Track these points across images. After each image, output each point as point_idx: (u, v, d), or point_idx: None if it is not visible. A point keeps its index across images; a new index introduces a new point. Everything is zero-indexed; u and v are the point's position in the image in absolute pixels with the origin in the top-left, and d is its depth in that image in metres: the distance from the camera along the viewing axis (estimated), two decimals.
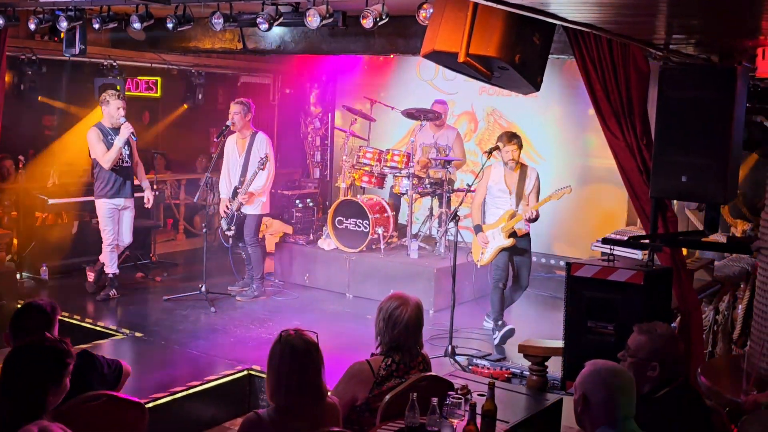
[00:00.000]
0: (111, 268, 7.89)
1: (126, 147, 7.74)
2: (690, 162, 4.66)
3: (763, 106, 6.42)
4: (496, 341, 7.00)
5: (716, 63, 5.20)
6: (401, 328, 3.89)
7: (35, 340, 3.04)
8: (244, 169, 7.94)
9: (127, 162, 7.80)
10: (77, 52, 7.44)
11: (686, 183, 4.68)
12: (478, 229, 7.23)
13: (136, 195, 8.07)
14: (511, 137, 7.08)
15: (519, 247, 7.13)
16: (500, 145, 7.07)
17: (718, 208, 5.08)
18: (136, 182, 8.13)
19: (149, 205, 8.34)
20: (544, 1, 3.82)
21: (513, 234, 7.05)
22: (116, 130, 7.66)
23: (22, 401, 2.90)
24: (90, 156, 7.79)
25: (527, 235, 7.18)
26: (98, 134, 7.63)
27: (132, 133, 7.65)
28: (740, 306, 6.98)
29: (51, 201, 8.78)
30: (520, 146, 7.12)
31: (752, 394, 4.37)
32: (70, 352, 3.06)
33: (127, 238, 8.00)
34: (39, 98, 9.50)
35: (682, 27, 4.51)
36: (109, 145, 7.61)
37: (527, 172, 7.16)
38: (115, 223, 7.80)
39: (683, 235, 5.46)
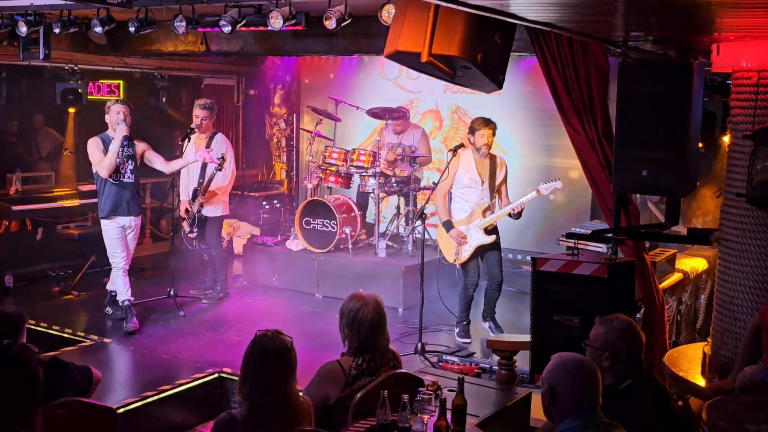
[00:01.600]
0: (125, 294, 7.23)
1: (129, 161, 7.14)
2: (650, 156, 4.76)
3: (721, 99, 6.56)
4: (465, 339, 7.08)
5: (673, 58, 5.31)
6: (366, 329, 3.94)
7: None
8: (202, 170, 7.88)
9: (129, 177, 7.17)
10: (41, 57, 7.34)
11: (647, 177, 4.79)
12: (448, 225, 6.96)
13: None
14: (488, 122, 6.85)
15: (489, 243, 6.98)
16: (475, 128, 6.85)
17: (678, 200, 5.19)
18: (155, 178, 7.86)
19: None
20: (503, 2, 3.88)
21: (493, 231, 6.91)
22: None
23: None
24: (93, 170, 7.22)
25: (495, 228, 7.00)
26: (98, 143, 7.14)
27: (125, 136, 7.08)
28: (703, 296, 7.13)
29: (15, 208, 8.67)
30: (495, 132, 6.91)
31: (714, 381, 4.49)
32: (39, 359, 3.04)
33: (126, 258, 7.33)
34: None
35: (640, 25, 4.60)
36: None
37: (497, 162, 7.00)
38: (124, 245, 7.20)
39: (645, 228, 5.56)
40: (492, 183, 6.93)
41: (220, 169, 7.54)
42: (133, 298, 7.30)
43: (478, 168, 6.92)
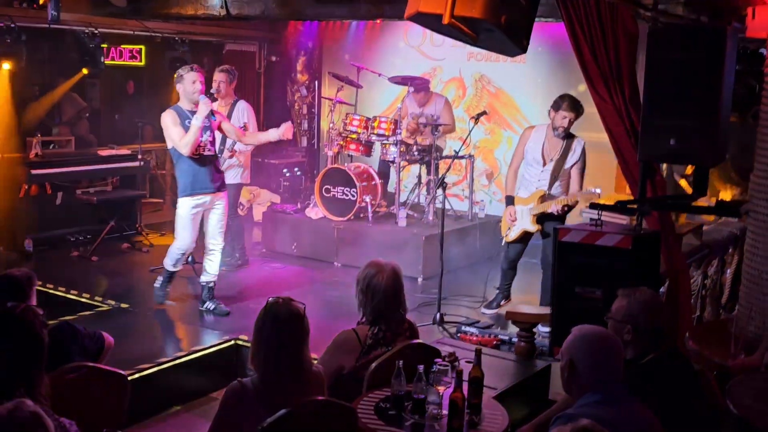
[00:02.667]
0: (170, 265, 6.72)
1: (208, 132, 6.46)
2: (679, 124, 4.59)
3: (753, 68, 6.36)
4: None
5: (705, 23, 5.13)
6: (380, 296, 3.88)
7: (2, 312, 2.95)
8: (223, 137, 7.79)
9: (209, 149, 6.53)
10: (49, 19, 7.25)
11: (675, 146, 4.62)
12: (509, 200, 6.68)
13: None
14: (576, 106, 6.32)
15: (546, 231, 6.55)
16: (560, 106, 6.35)
17: (707, 171, 5.03)
18: (250, 145, 7.34)
19: (290, 136, 6.80)
20: None
21: (542, 218, 6.51)
22: (193, 112, 6.42)
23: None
24: (167, 146, 6.57)
25: (562, 219, 6.52)
26: (174, 117, 6.39)
27: (212, 111, 6.49)
28: (729, 270, 6.97)
29: (34, 172, 8.66)
30: (577, 118, 6.32)
31: (740, 358, 4.36)
32: (43, 321, 2.97)
33: (216, 239, 6.72)
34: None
35: None
36: (187, 129, 6.36)
37: (573, 144, 6.44)
38: (194, 227, 6.57)
39: (671, 199, 5.41)
40: (558, 166, 6.45)
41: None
42: (177, 269, 6.78)
43: (546, 148, 6.48)
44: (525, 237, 6.73)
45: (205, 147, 6.46)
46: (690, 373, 3.53)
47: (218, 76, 7.77)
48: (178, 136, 6.34)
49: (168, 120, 6.40)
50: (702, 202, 5.57)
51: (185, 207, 6.51)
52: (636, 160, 5.06)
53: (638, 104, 5.04)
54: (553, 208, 6.42)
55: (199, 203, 6.52)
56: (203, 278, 6.80)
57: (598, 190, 6.26)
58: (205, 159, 6.50)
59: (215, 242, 6.71)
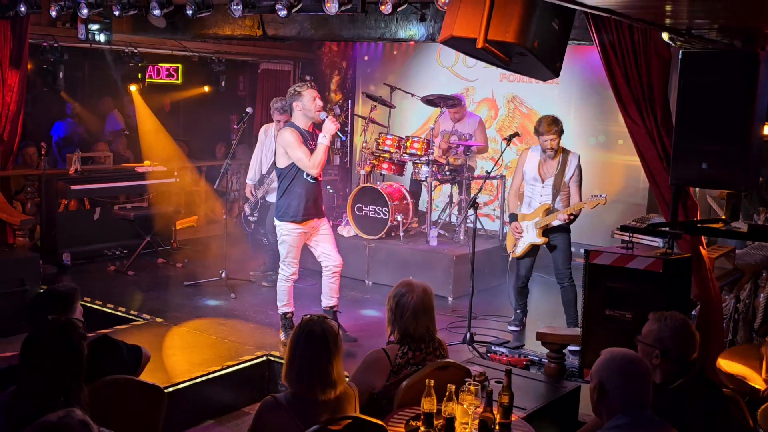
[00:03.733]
0: (289, 306, 6.39)
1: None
2: (711, 149, 4.61)
3: None
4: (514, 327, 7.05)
5: (738, 48, 5.13)
6: (409, 314, 3.92)
7: (44, 325, 3.06)
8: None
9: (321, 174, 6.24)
10: (83, 38, 7.45)
11: (707, 170, 4.64)
12: (512, 217, 6.87)
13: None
14: (551, 123, 6.50)
15: (554, 241, 6.75)
16: (539, 131, 6.56)
17: (740, 195, 5.03)
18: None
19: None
20: None
21: (547, 231, 6.70)
22: (310, 133, 6.13)
23: (37, 386, 2.92)
24: (276, 165, 6.23)
25: (563, 227, 6.72)
26: (297, 136, 5.99)
27: (339, 132, 6.10)
28: (762, 294, 6.91)
29: (73, 187, 8.85)
30: (560, 134, 6.54)
31: None
32: (82, 334, 3.07)
33: (335, 260, 6.36)
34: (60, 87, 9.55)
35: (705, 11, 4.45)
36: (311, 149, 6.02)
37: (568, 158, 6.64)
38: (299, 251, 6.27)
39: (703, 223, 5.41)
40: (558, 181, 6.63)
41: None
42: (293, 309, 6.41)
43: (541, 168, 6.68)
44: (532, 251, 6.86)
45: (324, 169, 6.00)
46: (719, 399, 3.52)
47: (280, 117, 7.78)
48: (305, 155, 5.97)
49: (292, 139, 5.99)
50: (735, 225, 5.56)
51: (293, 234, 6.19)
52: (668, 184, 5.08)
53: (670, 128, 5.06)
54: (560, 217, 6.58)
55: (304, 230, 6.23)
56: (327, 302, 6.42)
57: (603, 195, 6.48)
58: (317, 183, 6.18)
59: (335, 264, 6.34)
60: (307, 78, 5.63)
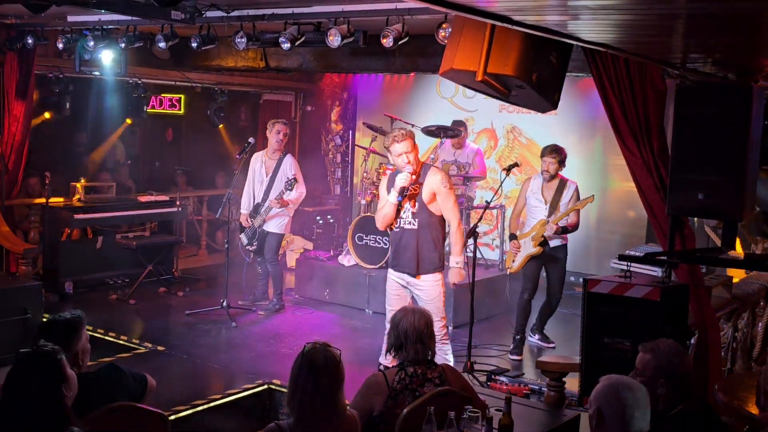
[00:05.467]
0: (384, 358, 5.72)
1: (407, 202, 5.74)
2: (706, 179, 4.69)
3: None
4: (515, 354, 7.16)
5: (733, 81, 5.23)
6: (402, 331, 4.04)
7: (23, 355, 3.07)
8: (268, 188, 8.05)
9: (411, 224, 5.78)
10: (77, 69, 7.63)
11: (703, 200, 4.71)
12: (512, 237, 7.35)
13: None
14: (552, 151, 7.12)
15: (552, 255, 7.24)
16: (541, 155, 7.19)
17: (735, 225, 5.10)
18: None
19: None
20: (560, 23, 3.88)
21: (543, 243, 7.13)
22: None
23: (30, 409, 2.94)
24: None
25: (564, 246, 7.31)
26: (386, 183, 5.92)
27: (403, 187, 5.67)
28: (760, 324, 6.96)
29: (77, 216, 8.91)
30: (561, 162, 7.12)
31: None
32: (64, 362, 3.08)
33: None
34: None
35: (700, 46, 4.55)
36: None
37: (566, 185, 7.23)
38: (398, 303, 5.72)
39: (700, 252, 5.47)
40: (555, 203, 7.17)
41: (290, 189, 7.74)
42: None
43: (545, 191, 7.24)
44: (533, 264, 7.24)
45: (406, 221, 5.77)
46: (718, 425, 3.55)
47: (282, 128, 8.02)
48: (381, 203, 5.85)
49: (383, 184, 5.98)
50: (732, 254, 5.62)
51: (389, 279, 6.02)
52: (665, 214, 5.15)
53: (667, 159, 5.14)
54: (551, 228, 7.03)
55: (398, 281, 5.94)
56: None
57: (591, 195, 7.12)
58: (406, 232, 5.78)
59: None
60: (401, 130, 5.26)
